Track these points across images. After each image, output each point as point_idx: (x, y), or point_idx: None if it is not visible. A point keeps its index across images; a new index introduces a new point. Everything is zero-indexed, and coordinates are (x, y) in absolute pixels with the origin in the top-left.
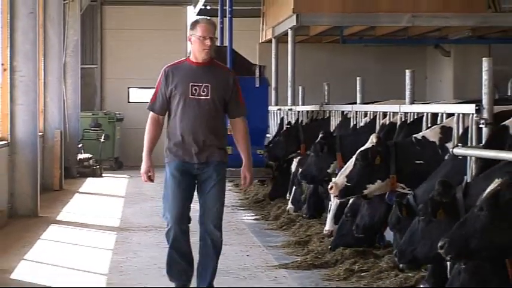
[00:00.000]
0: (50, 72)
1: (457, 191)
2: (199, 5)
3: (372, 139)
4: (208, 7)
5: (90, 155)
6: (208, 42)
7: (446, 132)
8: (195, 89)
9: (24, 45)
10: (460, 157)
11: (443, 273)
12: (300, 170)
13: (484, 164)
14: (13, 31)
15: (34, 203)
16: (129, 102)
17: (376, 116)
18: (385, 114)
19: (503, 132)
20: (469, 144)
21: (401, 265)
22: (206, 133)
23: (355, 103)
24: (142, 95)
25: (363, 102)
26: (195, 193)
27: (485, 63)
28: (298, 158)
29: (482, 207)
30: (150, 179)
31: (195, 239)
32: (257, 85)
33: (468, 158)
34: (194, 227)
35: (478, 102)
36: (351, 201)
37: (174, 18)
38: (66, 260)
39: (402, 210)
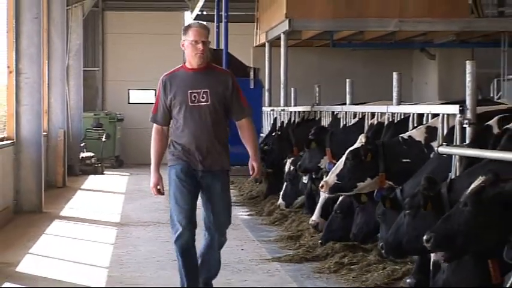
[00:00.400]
0: (53, 74)
1: (442, 186)
2: (196, 11)
3: (361, 139)
4: (204, 12)
5: (92, 154)
6: (200, 46)
7: (431, 131)
8: (194, 96)
9: (29, 48)
10: (445, 155)
11: (427, 265)
12: (293, 168)
13: (468, 162)
14: (18, 35)
15: (38, 200)
16: (129, 103)
17: (364, 115)
18: (373, 115)
19: (486, 132)
20: (453, 143)
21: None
22: (209, 139)
23: (345, 104)
24: (141, 97)
25: (352, 103)
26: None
27: (468, 66)
28: (291, 158)
29: (466, 202)
30: (160, 192)
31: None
32: (252, 86)
33: (453, 156)
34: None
35: (461, 103)
36: (340, 198)
37: (171, 23)
38: (69, 253)
39: (386, 203)
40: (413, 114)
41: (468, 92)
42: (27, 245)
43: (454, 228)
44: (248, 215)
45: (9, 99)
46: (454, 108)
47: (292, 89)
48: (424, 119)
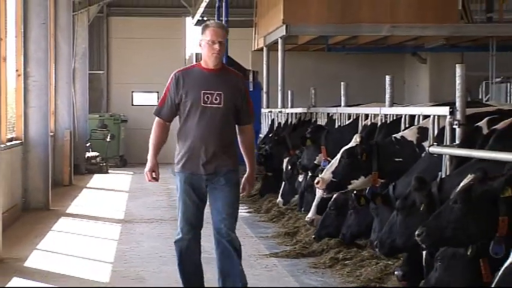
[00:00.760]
0: (60, 77)
1: (433, 185)
2: (197, 16)
3: (356, 139)
4: (205, 18)
5: (97, 153)
6: (217, 46)
7: (423, 132)
8: (207, 97)
9: (36, 52)
10: (436, 155)
11: (419, 260)
12: (290, 167)
13: (458, 162)
14: (26, 40)
15: (46, 197)
16: (132, 105)
17: (358, 116)
18: (367, 116)
19: (476, 133)
20: (444, 144)
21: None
22: (217, 143)
23: (340, 106)
24: (144, 99)
25: (347, 105)
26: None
27: (458, 69)
28: (288, 158)
29: (456, 200)
30: (155, 178)
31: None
32: (251, 89)
33: (443, 156)
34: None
35: (452, 104)
36: (334, 195)
37: (173, 28)
38: (74, 249)
39: (376, 200)
40: (406, 115)
41: (458, 94)
42: (35, 241)
43: (444, 223)
44: (247, 212)
45: (18, 101)
46: (445, 110)
47: (289, 91)
48: (416, 120)
